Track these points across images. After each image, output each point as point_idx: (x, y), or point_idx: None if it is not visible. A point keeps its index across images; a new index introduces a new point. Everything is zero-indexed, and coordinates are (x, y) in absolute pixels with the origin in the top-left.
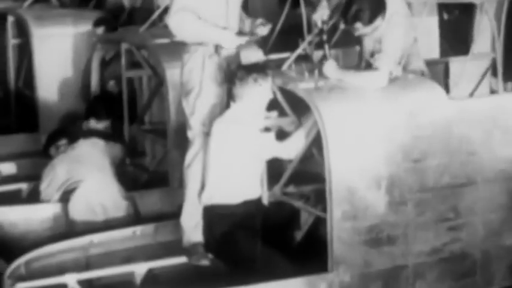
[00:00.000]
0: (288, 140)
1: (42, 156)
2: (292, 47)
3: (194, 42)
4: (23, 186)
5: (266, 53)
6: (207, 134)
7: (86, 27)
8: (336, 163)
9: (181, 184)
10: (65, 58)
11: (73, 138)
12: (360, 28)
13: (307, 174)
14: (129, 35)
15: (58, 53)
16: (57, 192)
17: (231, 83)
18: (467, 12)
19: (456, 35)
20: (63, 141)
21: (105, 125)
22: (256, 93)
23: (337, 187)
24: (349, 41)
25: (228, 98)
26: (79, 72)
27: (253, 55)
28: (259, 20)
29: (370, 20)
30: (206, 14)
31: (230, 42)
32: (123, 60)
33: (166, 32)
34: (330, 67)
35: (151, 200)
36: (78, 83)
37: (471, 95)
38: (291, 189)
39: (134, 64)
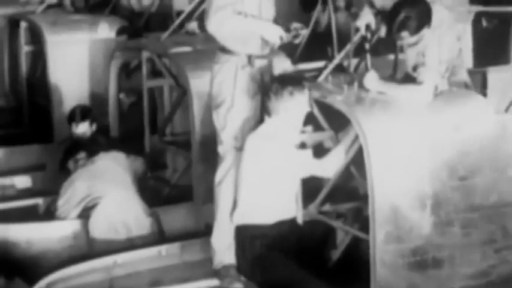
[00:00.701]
0: (326, 157)
1: (59, 169)
2: (319, 56)
3: (235, 40)
4: (39, 201)
5: (294, 62)
6: (239, 150)
7: (101, 33)
8: (379, 181)
9: (206, 200)
10: (80, 66)
11: (92, 152)
12: (405, 37)
13: (342, 191)
14: (150, 43)
15: (73, 61)
16: (76, 208)
17: (265, 96)
18: (507, 21)
19: (494, 44)
20: (82, 155)
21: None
22: (292, 107)
23: (380, 207)
24: (379, 50)
25: (262, 112)
26: (95, 81)
27: (281, 64)
28: (295, 25)
29: (417, 29)
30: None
31: (274, 34)
32: (144, 69)
33: (189, 39)
34: (372, 79)
35: (176, 217)
36: (95, 91)
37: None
38: (327, 207)
39: (155, 73)
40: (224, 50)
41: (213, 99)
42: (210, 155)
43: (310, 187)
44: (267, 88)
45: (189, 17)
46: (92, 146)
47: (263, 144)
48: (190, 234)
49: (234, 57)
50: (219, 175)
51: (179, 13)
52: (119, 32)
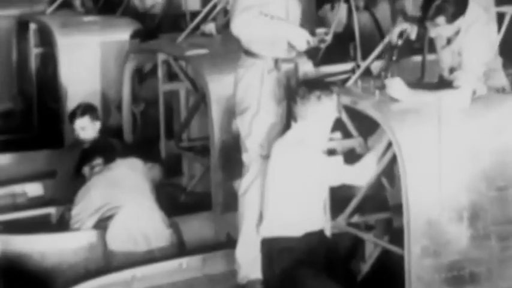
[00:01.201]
0: (358, 165)
1: (73, 175)
2: (339, 57)
3: (260, 43)
4: (52, 210)
5: (316, 64)
6: (265, 158)
7: (114, 35)
8: (414, 192)
9: (225, 208)
10: (92, 68)
11: (109, 158)
12: (441, 24)
13: (370, 202)
14: (165, 45)
15: (85, 63)
16: (91, 218)
17: (291, 101)
18: None
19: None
20: (98, 161)
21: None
22: (320, 112)
23: (415, 220)
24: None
25: (288, 117)
26: (108, 84)
27: (303, 67)
28: (322, 30)
29: (454, 16)
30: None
31: (301, 38)
32: (160, 73)
33: (206, 41)
34: (398, 87)
35: (195, 227)
36: (107, 95)
37: None
38: (356, 218)
39: (170, 76)
40: (249, 53)
41: (238, 104)
42: (229, 162)
43: (337, 197)
44: (294, 93)
45: (205, 17)
46: (108, 152)
47: (290, 152)
48: (211, 245)
49: (259, 60)
50: (244, 185)
51: (192, 13)
52: (134, 35)
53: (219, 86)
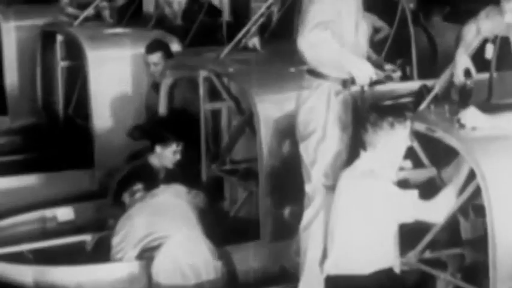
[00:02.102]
0: (435, 200)
1: (112, 202)
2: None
3: (324, 67)
4: (87, 238)
5: None
6: (330, 189)
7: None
8: (502, 230)
9: (274, 237)
10: (124, 84)
11: (150, 183)
12: None
13: (441, 236)
14: (206, 61)
15: (116, 78)
16: (134, 249)
17: (360, 127)
18: None
19: None
20: (138, 186)
21: (175, 149)
22: (393, 140)
23: (502, 260)
24: None
25: (354, 145)
26: (141, 101)
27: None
28: (390, 66)
29: None
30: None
31: (365, 74)
32: (202, 91)
33: (250, 56)
34: (473, 116)
35: (245, 257)
36: (140, 112)
37: None
38: (427, 254)
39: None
40: (314, 73)
41: (301, 129)
42: (279, 188)
43: (405, 229)
44: (363, 119)
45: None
46: (149, 177)
47: (359, 183)
48: (264, 278)
49: (326, 81)
50: (306, 218)
51: (229, 25)
52: (150, 50)
53: (268, 106)
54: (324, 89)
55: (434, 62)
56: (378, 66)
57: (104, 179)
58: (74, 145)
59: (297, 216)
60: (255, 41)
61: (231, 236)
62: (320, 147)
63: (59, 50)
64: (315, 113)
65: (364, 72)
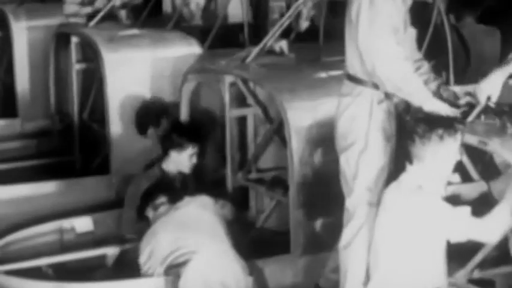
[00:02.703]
0: (489, 217)
1: (136, 217)
2: None
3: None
4: (107, 251)
5: None
6: (373, 205)
7: (166, 51)
8: None
9: (304, 251)
10: (142, 87)
11: (175, 196)
12: None
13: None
14: (231, 65)
15: (134, 82)
16: (160, 266)
17: (408, 138)
18: None
19: None
20: (162, 199)
21: (191, 153)
22: (442, 154)
23: None
24: None
25: (400, 158)
26: None
27: None
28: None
29: None
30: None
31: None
32: (227, 97)
33: (278, 61)
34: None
35: (275, 272)
36: None
37: None
38: (476, 274)
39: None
40: (355, 79)
41: (341, 139)
42: (310, 199)
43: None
44: (411, 130)
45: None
46: (172, 188)
47: (407, 200)
48: None
49: (368, 88)
50: (347, 235)
51: (253, 26)
52: None
53: (299, 114)
54: (365, 96)
55: (467, 65)
56: (452, 99)
57: (120, 186)
58: (90, 151)
59: (330, 228)
60: (282, 44)
61: (259, 248)
62: (361, 159)
63: (73, 52)
64: (356, 122)
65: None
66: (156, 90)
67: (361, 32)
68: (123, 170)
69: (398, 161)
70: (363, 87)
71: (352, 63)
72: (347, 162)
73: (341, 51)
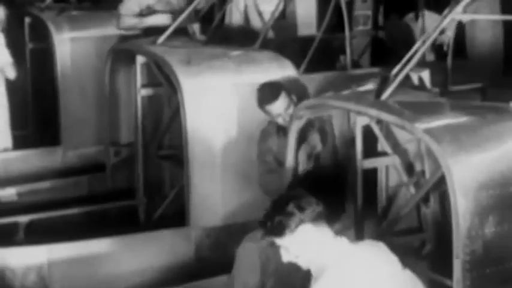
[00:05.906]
0: None
1: None
2: None
3: None
4: None
5: None
6: None
7: (253, 75)
8: None
9: None
10: (225, 121)
11: None
12: None
13: None
14: (350, 97)
15: (216, 113)
16: None
17: None
18: None
19: None
20: None
21: None
22: None
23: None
24: None
25: None
26: (246, 139)
27: None
28: None
29: None
30: None
31: None
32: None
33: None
34: None
35: None
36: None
37: None
38: None
39: None
40: None
41: None
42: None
43: None
44: None
45: None
46: None
47: None
48: None
49: None
50: None
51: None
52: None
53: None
54: None
55: None
56: None
57: (202, 240)
58: (156, 194)
59: None
60: (424, 75)
61: None
62: None
63: (138, 75)
64: None
65: None
66: (243, 124)
67: None
68: (203, 222)
69: None
70: None
71: None
72: None
73: None
